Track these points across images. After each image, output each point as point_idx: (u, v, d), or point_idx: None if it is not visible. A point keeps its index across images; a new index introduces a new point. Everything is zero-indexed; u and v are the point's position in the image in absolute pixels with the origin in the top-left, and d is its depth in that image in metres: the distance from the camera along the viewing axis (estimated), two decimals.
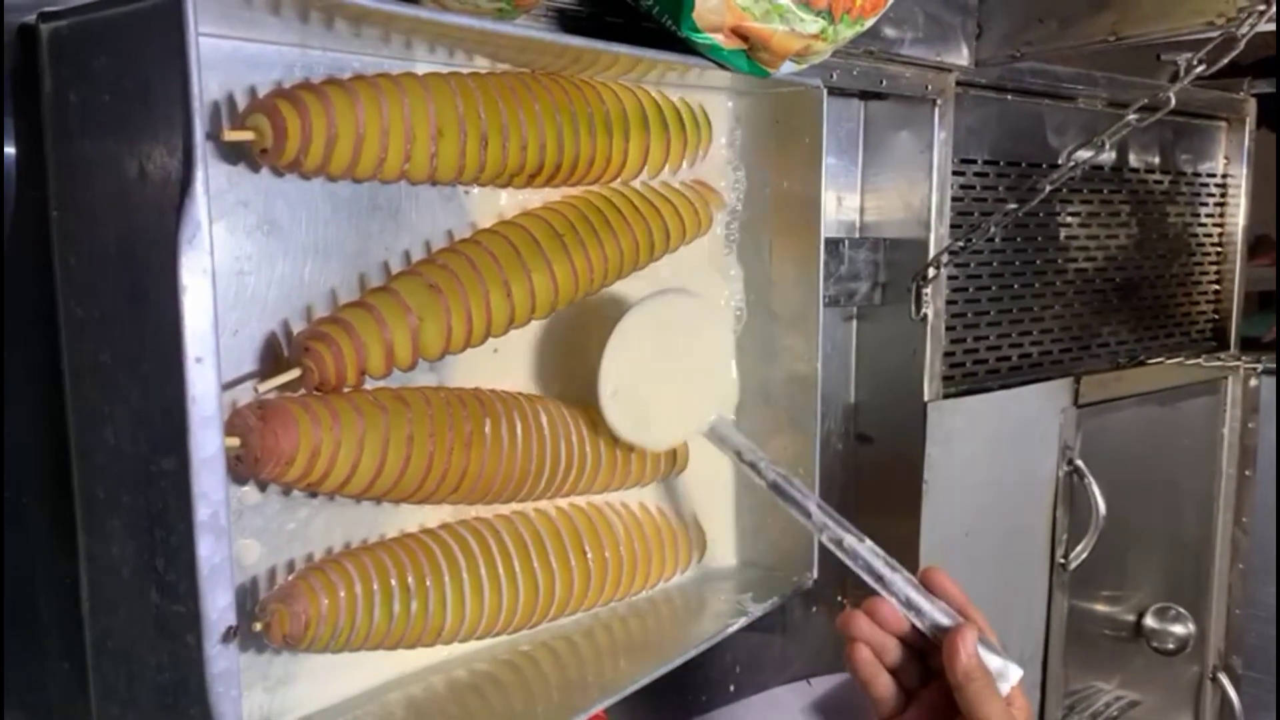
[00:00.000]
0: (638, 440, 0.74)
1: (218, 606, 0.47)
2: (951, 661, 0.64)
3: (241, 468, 0.56)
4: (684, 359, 0.76)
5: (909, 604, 0.67)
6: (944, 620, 0.67)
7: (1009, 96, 1.12)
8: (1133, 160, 1.31)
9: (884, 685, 0.67)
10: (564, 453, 0.70)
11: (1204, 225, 1.45)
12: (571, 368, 0.75)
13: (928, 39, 0.98)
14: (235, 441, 0.55)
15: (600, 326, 0.74)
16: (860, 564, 0.69)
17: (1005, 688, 0.65)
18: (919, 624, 0.67)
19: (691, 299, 0.77)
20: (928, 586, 0.69)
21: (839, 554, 0.70)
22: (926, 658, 0.68)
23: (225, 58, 0.56)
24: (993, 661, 0.65)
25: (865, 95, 1.01)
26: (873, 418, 1.05)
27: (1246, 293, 1.49)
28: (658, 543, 0.79)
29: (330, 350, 0.58)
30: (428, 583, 0.63)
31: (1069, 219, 1.23)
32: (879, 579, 0.68)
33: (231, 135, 0.55)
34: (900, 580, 0.68)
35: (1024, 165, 1.15)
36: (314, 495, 0.62)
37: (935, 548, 1.02)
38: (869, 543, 0.70)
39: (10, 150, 0.54)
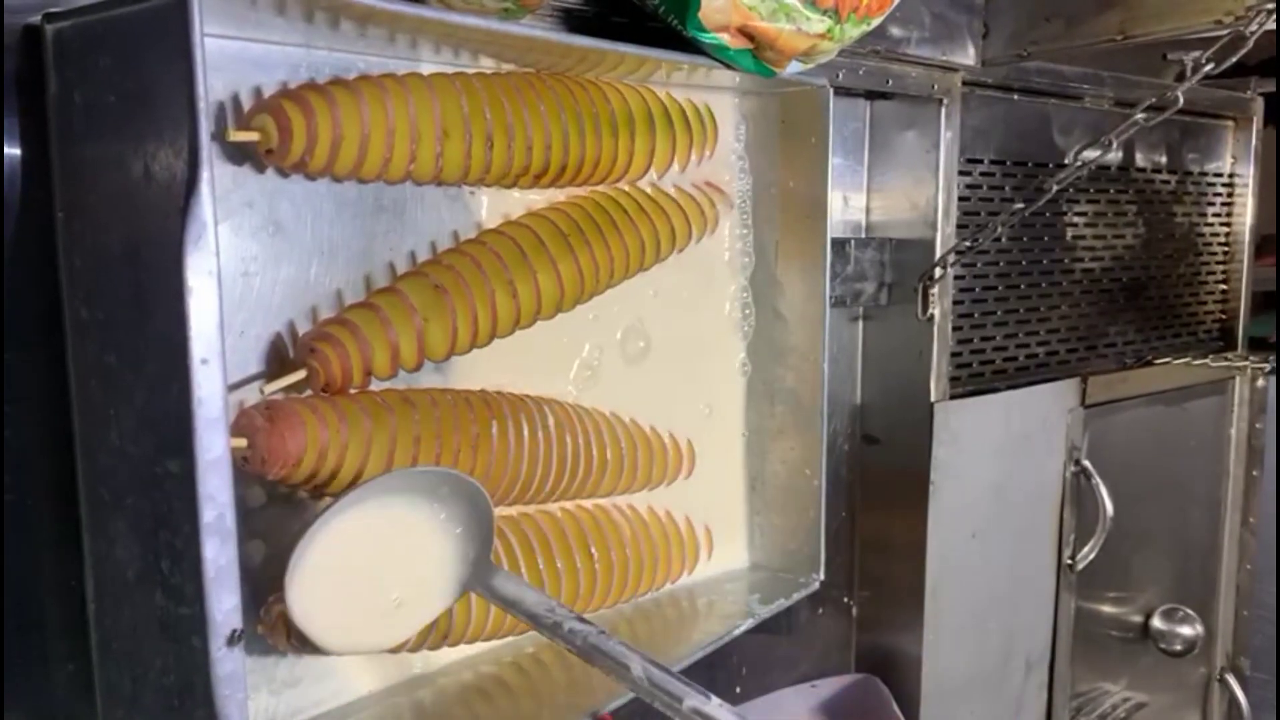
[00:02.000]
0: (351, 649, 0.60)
1: (223, 609, 0.47)
2: None
3: (248, 468, 0.56)
4: (400, 555, 0.59)
5: None
6: None
7: (1015, 96, 1.12)
8: (1139, 160, 1.31)
9: None
10: (570, 455, 0.70)
11: (1211, 225, 1.44)
12: (578, 366, 0.75)
13: (934, 38, 0.98)
14: (242, 442, 0.55)
15: (608, 327, 0.74)
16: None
17: None
18: None
19: (377, 498, 0.58)
20: None
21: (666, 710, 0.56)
22: None
23: (230, 58, 0.56)
24: None
25: (871, 95, 1.00)
26: (879, 418, 1.04)
27: (1254, 292, 1.49)
28: (664, 544, 0.79)
29: (335, 351, 0.58)
30: None
31: (1075, 219, 1.22)
32: None
33: (237, 136, 0.55)
34: None
35: (1030, 165, 1.15)
36: (320, 496, 0.61)
37: (942, 549, 1.02)
38: (715, 700, 0.55)
39: (15, 151, 0.54)
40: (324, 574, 0.54)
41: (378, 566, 0.58)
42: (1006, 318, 1.15)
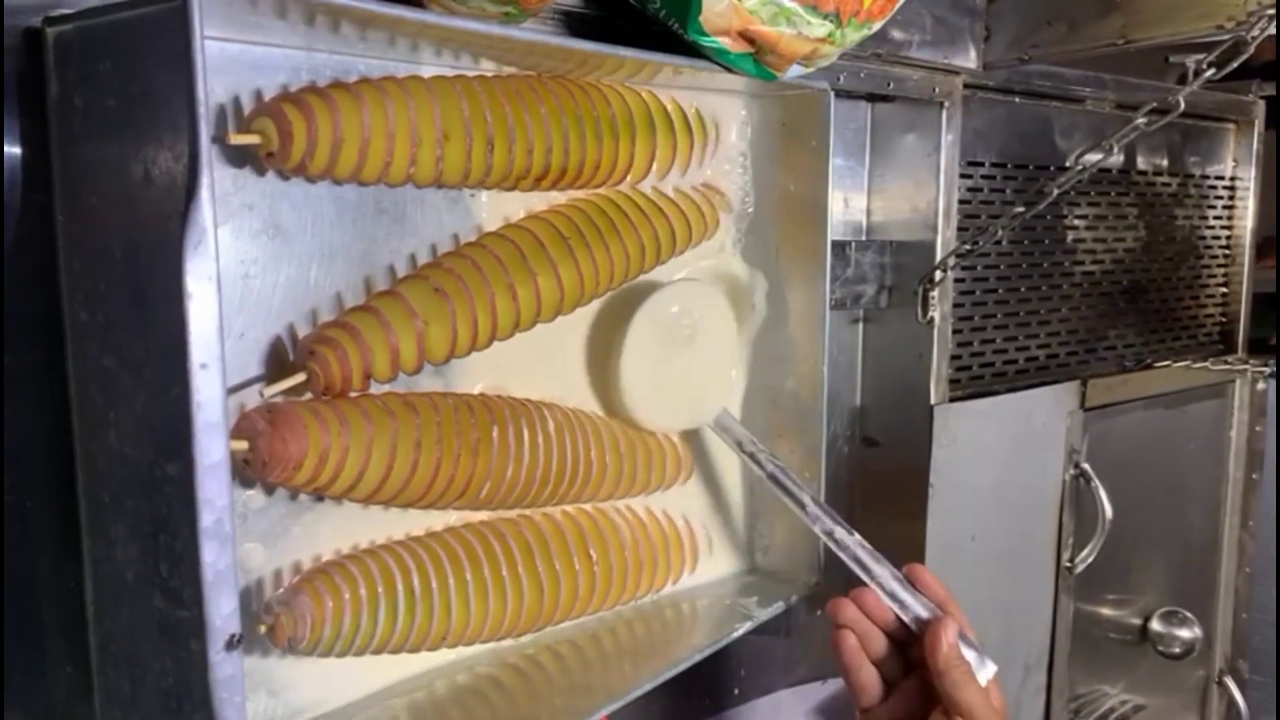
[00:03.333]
0: (650, 422, 0.77)
1: (222, 613, 0.47)
2: (933, 650, 0.66)
3: (249, 471, 0.56)
4: (697, 348, 0.78)
5: (893, 596, 0.70)
6: (925, 614, 0.69)
7: (1016, 99, 1.12)
8: (1140, 162, 1.31)
9: (867, 674, 0.69)
10: (570, 459, 0.70)
11: (1212, 228, 1.44)
12: (581, 370, 0.75)
13: (935, 42, 0.98)
14: (243, 445, 0.55)
15: (612, 324, 0.75)
16: (849, 555, 0.72)
17: (982, 679, 0.67)
18: (902, 615, 0.69)
19: (708, 291, 0.80)
20: (912, 581, 0.71)
21: (830, 544, 0.74)
22: (907, 651, 0.70)
23: (231, 61, 0.56)
24: (970, 655, 0.67)
25: (872, 98, 1.00)
26: (879, 421, 1.04)
27: (1255, 295, 1.49)
28: (663, 547, 0.79)
29: (335, 354, 0.58)
30: (432, 586, 0.63)
31: (1076, 221, 1.22)
32: (866, 570, 0.71)
33: (237, 139, 0.55)
34: (886, 573, 0.71)
35: (1031, 168, 1.15)
36: (320, 499, 0.62)
37: (941, 551, 1.02)
38: (857, 536, 0.73)
39: (16, 154, 0.54)
40: (648, 342, 0.75)
41: (687, 344, 0.77)
42: (1007, 320, 1.15)
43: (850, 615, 0.69)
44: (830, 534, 0.73)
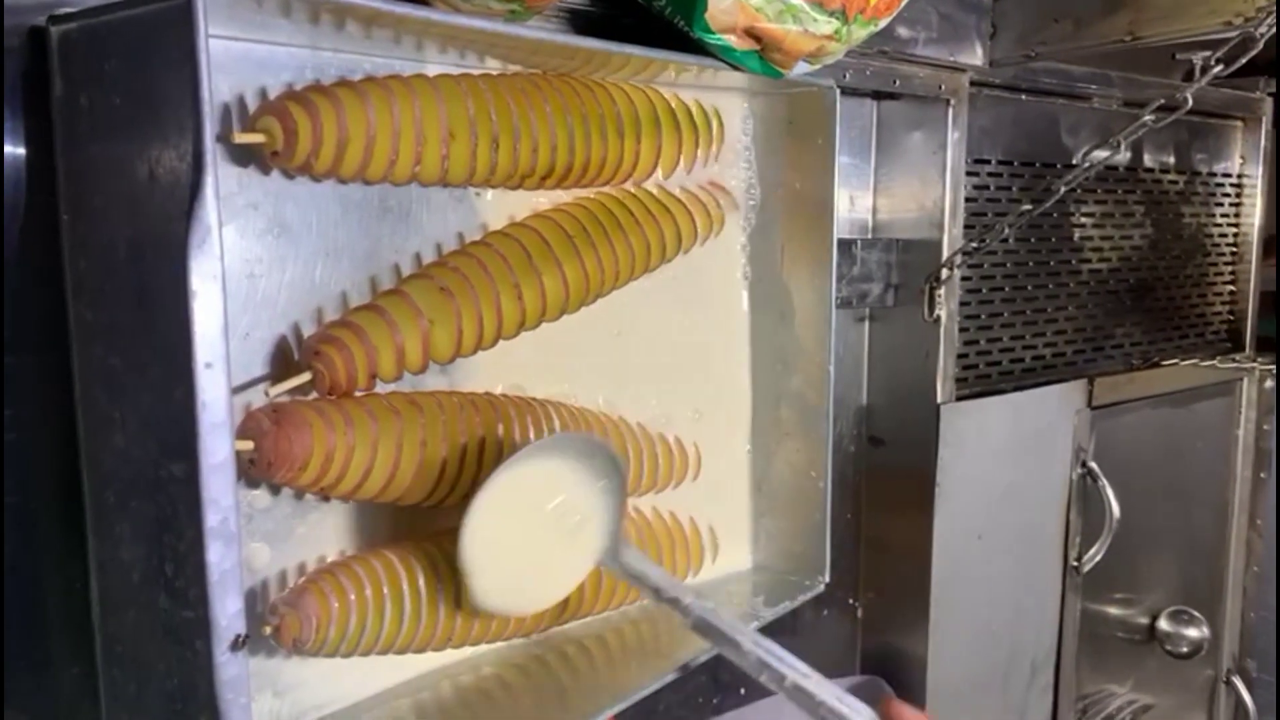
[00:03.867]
0: (507, 610, 0.65)
1: (227, 613, 0.47)
2: None
3: (255, 471, 0.56)
4: (554, 516, 0.65)
5: None
6: None
7: (1023, 96, 1.11)
8: (1147, 160, 1.31)
9: None
10: None
11: (1219, 225, 1.43)
12: (584, 368, 0.75)
13: (941, 39, 0.97)
14: (249, 445, 0.55)
15: (613, 330, 0.74)
16: (808, 704, 0.58)
17: None
18: None
19: (548, 454, 0.63)
20: None
21: (783, 694, 0.59)
22: None
23: (236, 60, 0.56)
24: None
25: (878, 95, 1.00)
26: (885, 420, 1.04)
27: (1262, 293, 1.48)
28: (669, 546, 0.79)
29: (341, 354, 0.57)
30: (437, 586, 0.63)
31: (1083, 219, 1.22)
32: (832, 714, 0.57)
33: (242, 138, 0.55)
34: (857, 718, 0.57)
35: (1038, 165, 1.15)
36: (325, 499, 0.62)
37: (947, 551, 1.01)
38: (817, 677, 0.59)
39: (20, 153, 0.54)
40: (492, 526, 0.60)
41: (537, 523, 0.63)
42: (1013, 319, 1.14)
43: None
44: (781, 680, 0.59)
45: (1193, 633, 1.35)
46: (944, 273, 0.98)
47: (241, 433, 0.56)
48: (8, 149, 0.53)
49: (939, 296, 0.99)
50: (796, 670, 0.58)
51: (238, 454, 0.54)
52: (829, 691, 0.57)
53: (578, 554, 0.66)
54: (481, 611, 0.64)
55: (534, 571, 0.65)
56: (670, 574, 0.65)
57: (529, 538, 0.63)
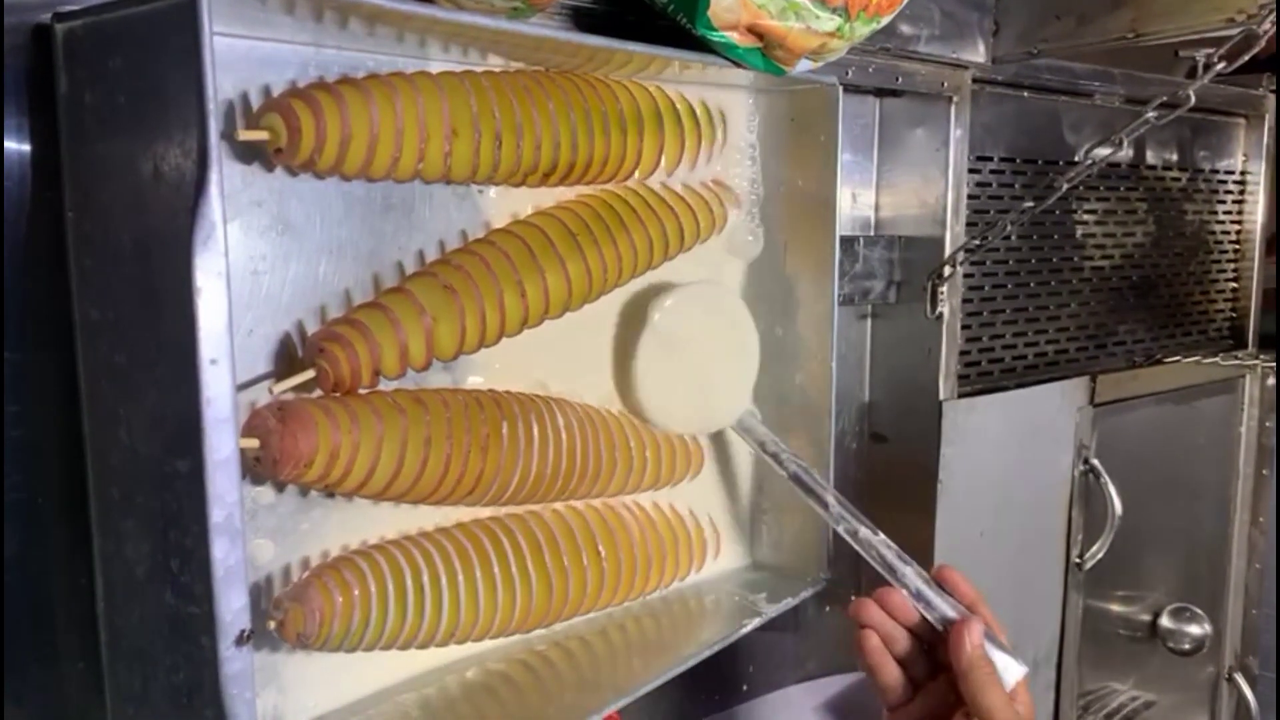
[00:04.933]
0: (670, 427, 0.77)
1: (232, 608, 0.47)
2: (956, 651, 0.65)
3: (260, 469, 0.56)
4: (715, 351, 0.79)
5: (919, 596, 0.69)
6: (952, 614, 0.68)
7: (1025, 93, 1.11)
8: (1150, 157, 1.30)
9: (891, 673, 0.69)
10: (580, 456, 0.70)
11: (1222, 223, 1.43)
12: (588, 367, 0.75)
13: (944, 36, 0.97)
14: (254, 443, 0.55)
15: (623, 322, 0.75)
16: (873, 555, 0.72)
17: (1009, 682, 0.66)
18: (928, 616, 0.69)
19: (723, 293, 0.80)
20: (940, 582, 0.70)
21: (854, 544, 0.73)
22: (934, 651, 0.69)
23: (240, 57, 0.56)
24: (997, 657, 0.66)
25: (881, 92, 1.00)
26: (887, 417, 1.04)
27: (1265, 290, 1.48)
28: (671, 542, 0.79)
29: (345, 351, 0.58)
30: (442, 582, 0.63)
31: (1085, 216, 1.22)
32: (891, 570, 0.71)
33: (246, 135, 0.55)
34: (911, 573, 0.70)
35: (1040, 163, 1.15)
36: (330, 495, 0.62)
37: (950, 547, 1.01)
38: (882, 535, 0.73)
39: (25, 150, 0.54)
40: (661, 355, 0.74)
41: (704, 347, 0.77)
42: (1016, 316, 1.14)
43: (873, 616, 0.69)
44: (854, 533, 0.73)
45: (1195, 630, 1.35)
46: (946, 270, 0.98)
47: (247, 430, 0.56)
48: (13, 146, 0.53)
49: (941, 293, 0.99)
50: (867, 526, 0.73)
51: (243, 451, 0.54)
52: (892, 550, 0.72)
53: (729, 392, 0.80)
54: (660, 428, 0.77)
55: (696, 397, 0.78)
56: (775, 437, 0.79)
57: (694, 361, 0.77)
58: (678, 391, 0.77)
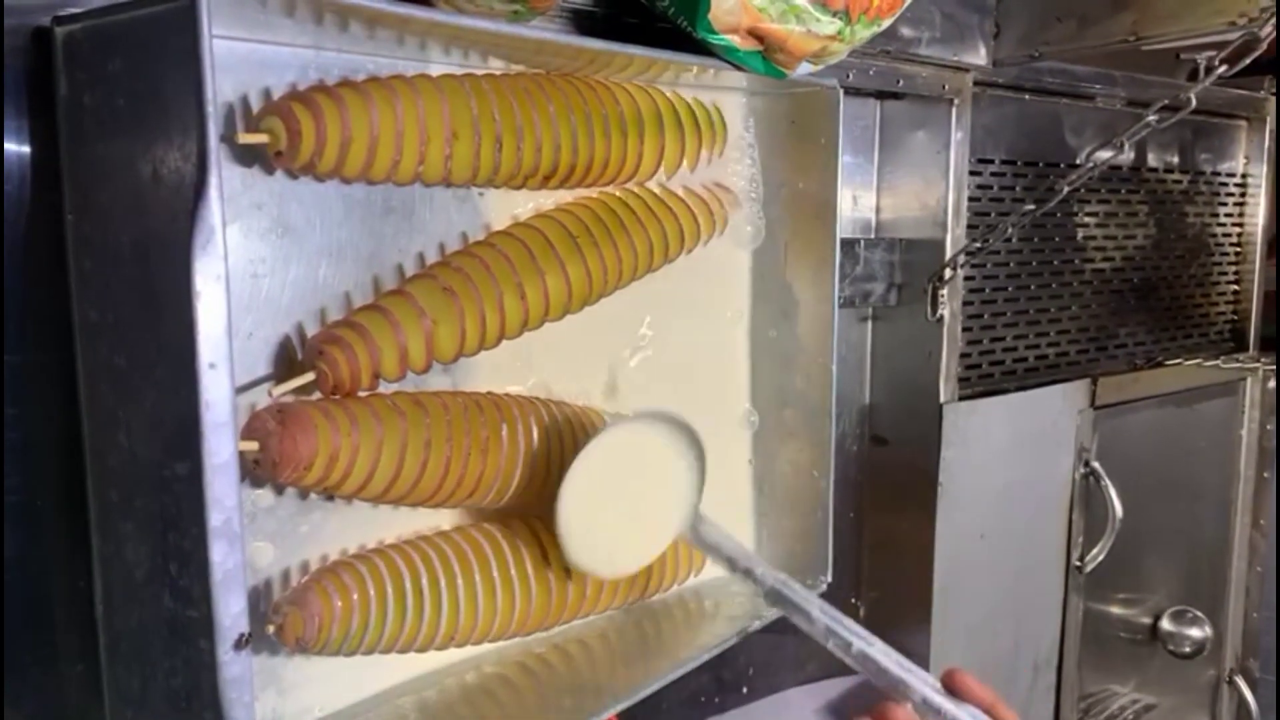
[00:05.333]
0: (596, 572, 0.69)
1: (230, 612, 0.47)
2: None
3: (260, 471, 0.56)
4: (644, 485, 0.70)
5: (928, 705, 0.63)
6: None
7: (1026, 96, 1.11)
8: (1151, 160, 1.30)
9: None
10: None
11: (1223, 225, 1.43)
12: (587, 367, 0.75)
13: (945, 39, 0.97)
14: (254, 446, 0.55)
15: (617, 329, 0.74)
16: (872, 669, 0.64)
17: None
18: None
19: (647, 425, 0.69)
20: (950, 689, 0.64)
21: (848, 661, 0.65)
22: None
23: (240, 60, 0.56)
24: None
25: (881, 95, 1.00)
26: (888, 419, 1.04)
27: (1266, 293, 1.48)
28: (671, 545, 0.79)
29: (344, 354, 0.58)
30: (441, 585, 0.63)
31: (1086, 219, 1.22)
32: (895, 684, 0.64)
33: (246, 138, 0.55)
34: (919, 683, 0.63)
35: (1041, 165, 1.15)
36: (330, 498, 0.62)
37: (950, 550, 1.01)
38: (880, 644, 0.65)
39: (25, 153, 0.54)
40: (585, 492, 0.65)
41: (630, 487, 0.69)
42: (1016, 319, 1.14)
43: None
44: (847, 647, 0.65)
45: (1195, 633, 1.35)
46: (947, 272, 0.98)
47: (247, 433, 0.56)
48: (13, 148, 0.53)
49: (942, 296, 0.99)
50: (861, 638, 0.64)
51: (243, 454, 0.54)
52: (892, 659, 0.64)
53: (662, 524, 0.71)
54: (574, 569, 0.68)
55: (622, 537, 0.69)
56: (743, 546, 0.71)
57: (619, 505, 0.68)
58: (605, 531, 0.68)
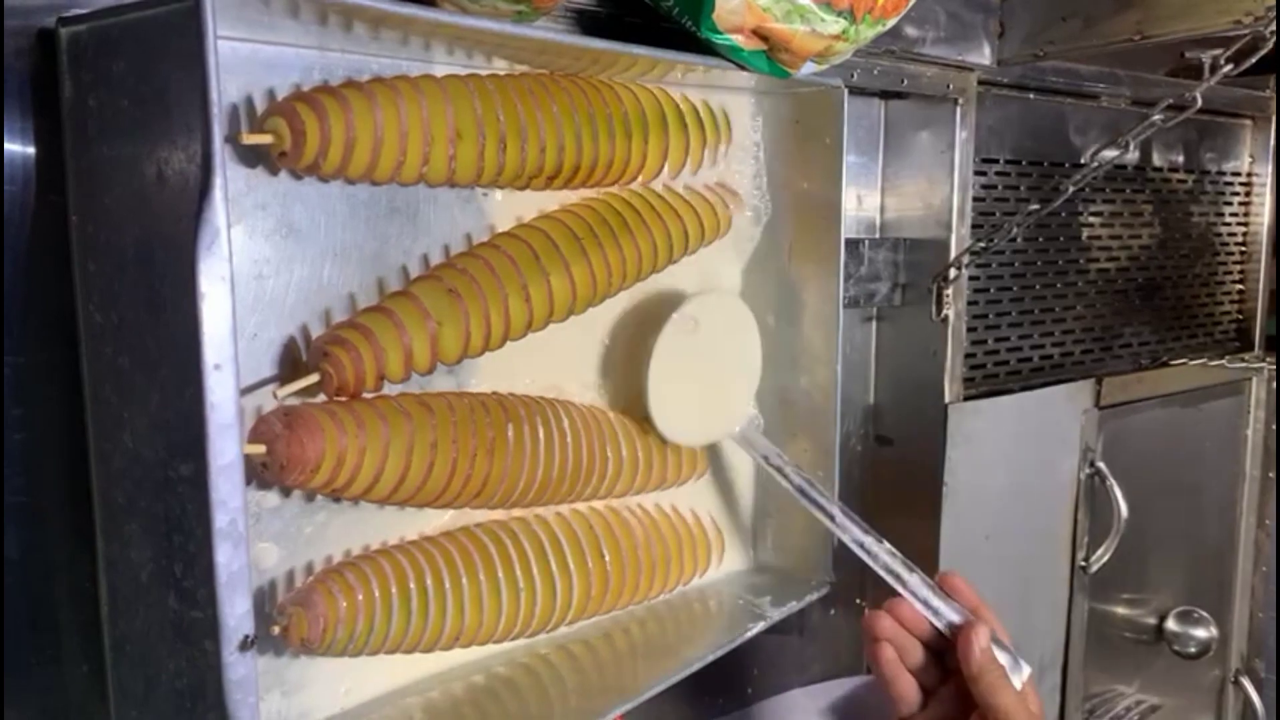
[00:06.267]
0: (678, 438, 0.77)
1: (235, 613, 0.47)
2: (966, 656, 0.67)
3: (267, 474, 0.56)
4: (722, 360, 0.79)
5: (926, 604, 0.70)
6: (958, 619, 0.70)
7: (1031, 95, 1.11)
8: (1156, 159, 1.30)
9: (905, 683, 0.70)
10: (586, 458, 0.70)
11: (1228, 224, 1.43)
12: (593, 368, 0.75)
13: (949, 38, 0.97)
14: (261, 448, 0.55)
15: (637, 334, 0.75)
16: (880, 564, 0.73)
17: (1017, 683, 0.67)
18: (936, 623, 0.70)
19: (731, 301, 0.80)
20: (944, 588, 0.71)
21: (861, 554, 0.74)
22: (943, 657, 0.70)
23: (244, 61, 0.56)
24: (1003, 658, 0.68)
25: (886, 94, 1.00)
26: (892, 420, 1.04)
27: (1271, 292, 1.48)
28: (676, 546, 0.79)
29: (349, 355, 0.58)
30: (445, 586, 0.63)
31: (1091, 219, 1.22)
32: (898, 579, 0.71)
33: (250, 139, 0.55)
34: (917, 581, 0.71)
35: (1046, 165, 1.14)
36: (335, 500, 0.62)
37: (955, 551, 1.01)
38: (887, 545, 0.73)
39: (30, 154, 0.54)
40: (670, 367, 0.74)
41: (708, 358, 0.78)
42: (1021, 319, 1.14)
43: (886, 628, 0.70)
44: (861, 544, 0.74)
45: (1201, 633, 1.34)
46: (952, 272, 0.98)
47: (253, 436, 0.56)
48: (17, 149, 0.53)
49: (947, 296, 0.99)
50: (871, 535, 0.74)
51: (250, 458, 0.54)
52: (897, 557, 0.72)
53: (736, 396, 0.81)
54: (669, 443, 0.77)
55: (706, 407, 0.79)
56: (777, 450, 0.79)
57: (701, 376, 0.77)
58: (688, 403, 0.77)
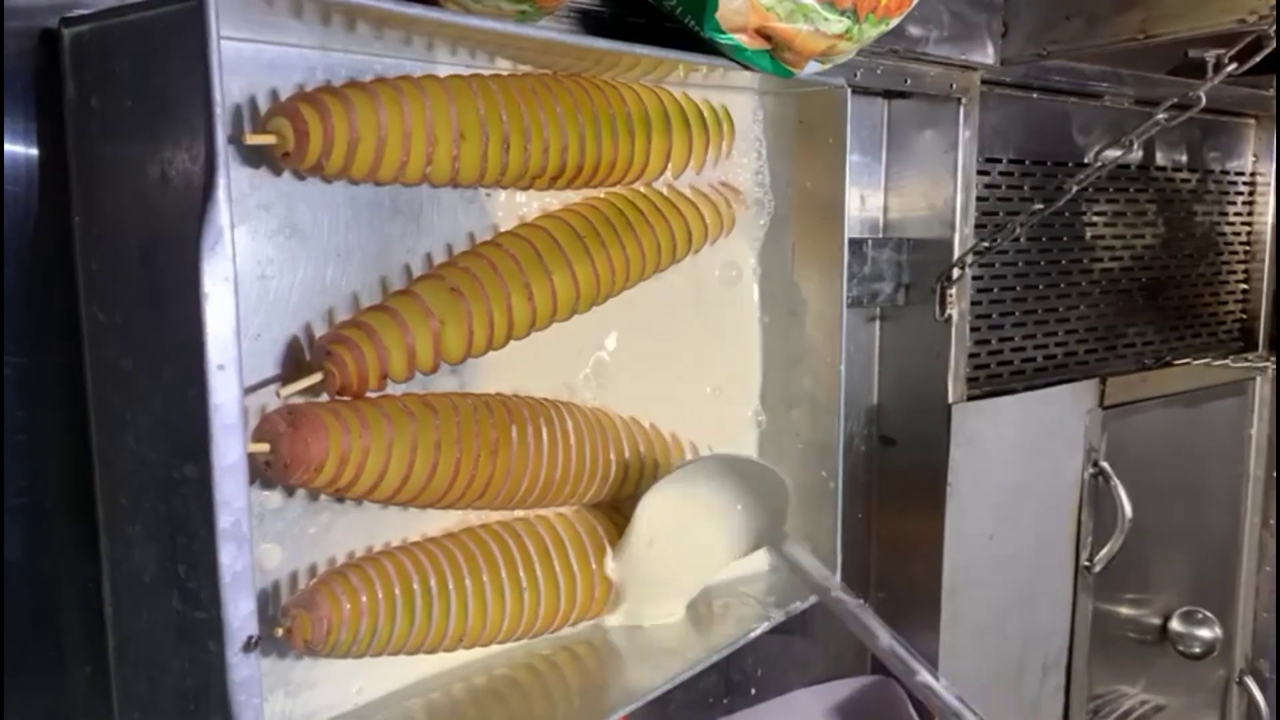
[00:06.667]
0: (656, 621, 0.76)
1: (239, 614, 0.47)
2: None
3: (271, 473, 0.56)
4: (697, 528, 0.76)
5: None
6: None
7: (1034, 95, 1.11)
8: (1159, 158, 1.30)
9: None
10: (589, 459, 0.70)
11: (1232, 224, 1.43)
12: (595, 369, 0.75)
13: (953, 38, 0.97)
14: (265, 447, 0.55)
15: (623, 330, 0.74)
16: (928, 697, 0.67)
17: None
18: None
19: (706, 465, 0.75)
20: None
21: (912, 689, 0.68)
22: None
23: (247, 61, 0.56)
24: None
25: (889, 94, 1.00)
26: (896, 420, 1.04)
27: (1275, 291, 1.47)
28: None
29: (352, 354, 0.57)
30: (449, 587, 0.63)
31: (1095, 218, 1.22)
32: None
33: (253, 139, 0.55)
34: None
35: (1049, 164, 1.14)
36: (338, 500, 0.62)
37: (959, 550, 1.01)
38: (944, 681, 0.68)
39: (33, 155, 0.54)
40: (644, 547, 0.72)
41: (680, 538, 0.73)
42: (1025, 318, 1.14)
43: None
44: (910, 674, 0.67)
45: (1205, 633, 1.34)
46: (955, 272, 0.98)
47: (258, 435, 0.56)
48: (21, 150, 0.53)
49: (950, 296, 0.99)
50: (925, 667, 0.67)
51: (254, 456, 0.54)
52: (951, 692, 0.66)
53: (709, 561, 0.77)
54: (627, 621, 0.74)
55: (676, 582, 0.76)
56: (822, 566, 0.75)
57: (675, 557, 0.74)
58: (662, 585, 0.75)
